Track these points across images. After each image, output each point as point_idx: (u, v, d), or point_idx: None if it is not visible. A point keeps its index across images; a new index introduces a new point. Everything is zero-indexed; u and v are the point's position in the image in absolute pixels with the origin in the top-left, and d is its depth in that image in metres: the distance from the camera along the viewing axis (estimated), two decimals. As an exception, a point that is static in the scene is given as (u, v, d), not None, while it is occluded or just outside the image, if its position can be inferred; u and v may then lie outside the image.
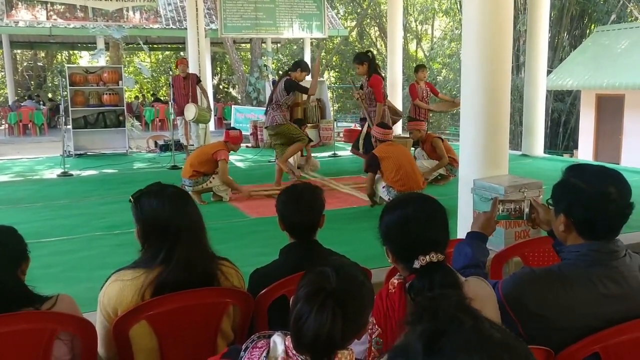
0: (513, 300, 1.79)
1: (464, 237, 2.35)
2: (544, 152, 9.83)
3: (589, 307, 1.74)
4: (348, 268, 1.44)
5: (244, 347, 1.44)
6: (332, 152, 10.48)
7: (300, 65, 7.26)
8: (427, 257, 1.67)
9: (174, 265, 1.99)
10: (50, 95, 25.09)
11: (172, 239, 2.00)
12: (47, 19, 13.44)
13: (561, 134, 18.78)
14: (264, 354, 1.39)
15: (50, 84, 27.90)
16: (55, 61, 29.53)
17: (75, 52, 28.26)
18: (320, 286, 1.34)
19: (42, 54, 29.27)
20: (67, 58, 29.20)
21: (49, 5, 13.00)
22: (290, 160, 7.92)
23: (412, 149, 8.04)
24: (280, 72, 22.89)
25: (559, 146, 18.49)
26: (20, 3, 13.87)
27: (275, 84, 7.48)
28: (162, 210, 2.04)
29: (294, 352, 1.34)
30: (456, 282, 1.66)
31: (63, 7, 12.91)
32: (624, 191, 1.77)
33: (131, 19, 13.78)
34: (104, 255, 4.61)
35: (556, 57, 18.16)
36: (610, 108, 15.07)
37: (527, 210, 2.29)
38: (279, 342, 1.38)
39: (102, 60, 16.78)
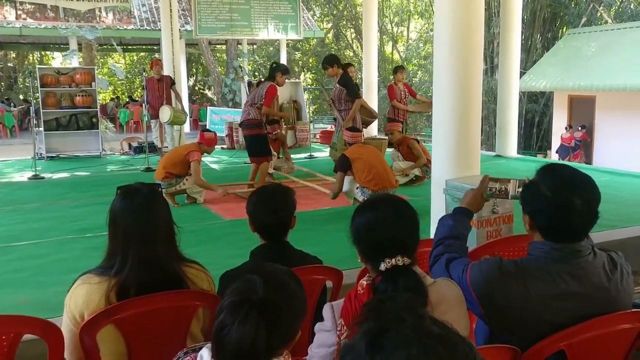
0: (481, 294, 1.81)
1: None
2: (518, 153, 9.95)
3: (548, 301, 1.76)
4: (280, 276, 1.40)
5: None
6: (309, 154, 10.49)
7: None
8: (393, 260, 1.67)
9: (130, 266, 1.97)
10: (22, 96, 24.65)
11: (129, 239, 1.99)
12: (17, 18, 13.14)
13: (535, 134, 19.05)
14: None
15: (21, 85, 27.40)
16: (26, 62, 29.01)
17: (48, 53, 27.79)
18: (245, 297, 1.29)
19: (13, 55, 28.73)
20: (39, 59, 28.72)
21: (17, 4, 12.71)
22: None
23: (388, 150, 8.09)
24: (257, 74, 22.76)
25: (532, 147, 18.75)
26: (-13, 2, 13.54)
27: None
28: (124, 210, 2.02)
29: None
30: (420, 287, 1.65)
31: (33, 6, 12.64)
32: (591, 202, 1.77)
33: (104, 19, 13.56)
34: (76, 258, 4.55)
35: (529, 59, 18.44)
36: (582, 109, 15.35)
37: (512, 192, 2.27)
38: (205, 355, 1.34)
39: (74, 62, 16.52)
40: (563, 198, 1.76)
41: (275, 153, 8.09)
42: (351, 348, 0.85)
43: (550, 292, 1.76)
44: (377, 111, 10.10)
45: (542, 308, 1.76)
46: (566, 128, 15.37)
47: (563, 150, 15.41)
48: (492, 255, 2.88)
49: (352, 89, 7.34)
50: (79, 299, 1.97)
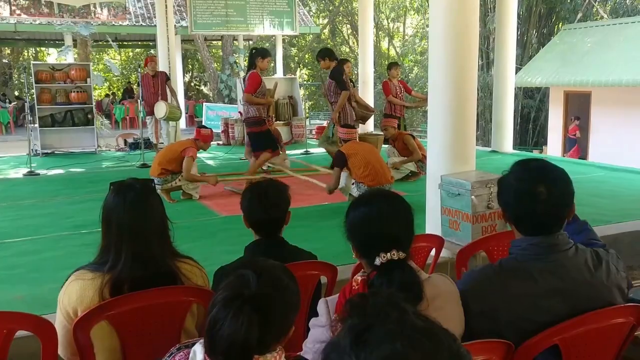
0: (465, 302, 1.80)
1: (432, 233, 2.36)
2: (514, 149, 9.96)
3: (530, 300, 1.75)
4: (273, 271, 1.39)
5: None
6: (305, 150, 10.48)
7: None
8: (388, 254, 1.66)
9: (123, 261, 1.97)
10: (17, 92, 24.56)
11: (122, 235, 1.98)
12: (11, 14, 13.08)
13: (531, 130, 19.06)
14: None
15: (16, 82, 27.28)
16: (21, 58, 28.86)
17: (43, 49, 27.67)
18: (237, 292, 1.29)
19: (8, 51, 28.59)
20: (34, 55, 28.59)
21: (12, -1, 12.68)
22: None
23: (384, 146, 8.10)
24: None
25: (528, 142, 18.76)
26: (-19, -1, 13.44)
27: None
28: (117, 206, 2.01)
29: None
30: (416, 281, 1.64)
31: (27, 2, 12.59)
32: (556, 192, 1.76)
33: (99, 15, 13.49)
34: (70, 255, 4.54)
35: (525, 54, 18.42)
36: (577, 104, 15.36)
37: None
38: (198, 350, 1.33)
39: (70, 58, 16.47)
40: (526, 186, 1.77)
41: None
42: (336, 345, 0.85)
43: (530, 290, 1.75)
44: (372, 106, 10.11)
45: (525, 307, 1.75)
46: (571, 119, 15.40)
47: (568, 142, 15.37)
48: (487, 250, 2.91)
49: (340, 81, 7.35)
50: (73, 295, 1.97)
